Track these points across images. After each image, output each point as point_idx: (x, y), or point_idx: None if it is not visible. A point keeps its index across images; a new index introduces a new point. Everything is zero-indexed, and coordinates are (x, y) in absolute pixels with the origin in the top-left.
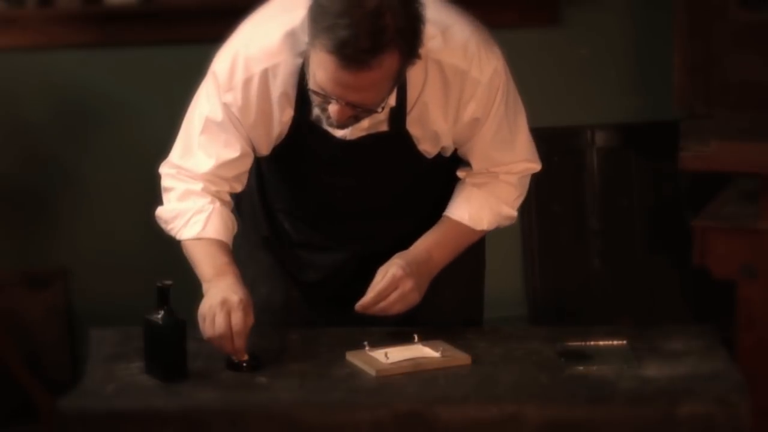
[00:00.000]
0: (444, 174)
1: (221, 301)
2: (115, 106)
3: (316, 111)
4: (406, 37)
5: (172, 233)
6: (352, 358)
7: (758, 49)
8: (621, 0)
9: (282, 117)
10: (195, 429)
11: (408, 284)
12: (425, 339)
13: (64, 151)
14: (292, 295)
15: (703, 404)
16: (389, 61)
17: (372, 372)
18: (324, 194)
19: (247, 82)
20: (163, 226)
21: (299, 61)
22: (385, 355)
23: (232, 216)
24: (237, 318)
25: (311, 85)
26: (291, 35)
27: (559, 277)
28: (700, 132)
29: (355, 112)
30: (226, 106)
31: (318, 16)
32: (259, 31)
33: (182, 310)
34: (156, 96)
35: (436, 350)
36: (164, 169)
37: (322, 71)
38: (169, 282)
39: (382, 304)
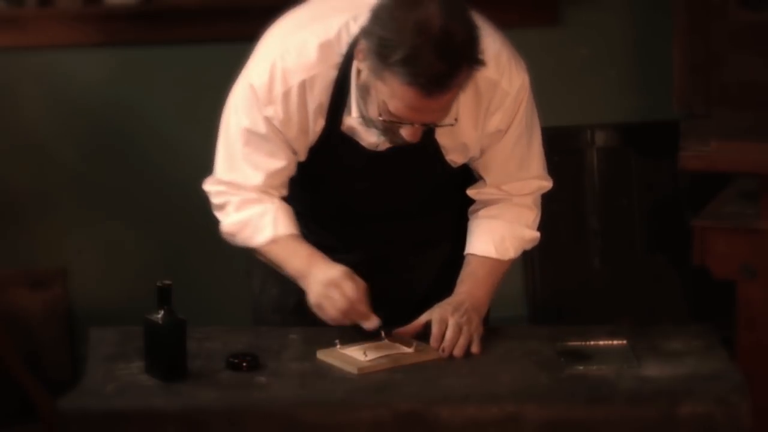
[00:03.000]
0: (462, 178)
1: (326, 282)
2: (115, 106)
3: (349, 122)
4: (472, 48)
5: (243, 243)
6: (326, 357)
7: (758, 49)
8: (621, 0)
9: (315, 127)
10: (195, 429)
11: (456, 316)
12: (391, 335)
13: (64, 151)
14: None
15: (703, 404)
16: (462, 77)
17: (353, 370)
18: (344, 198)
19: (286, 94)
20: (230, 239)
21: (334, 72)
22: (364, 353)
23: (290, 207)
24: (349, 287)
25: (381, 114)
26: (327, 46)
27: (559, 277)
28: (700, 132)
29: (427, 128)
30: (267, 120)
31: (384, 50)
32: (293, 42)
33: (182, 310)
34: (156, 96)
35: (409, 346)
36: (212, 187)
37: (397, 101)
38: (168, 282)
39: (454, 349)
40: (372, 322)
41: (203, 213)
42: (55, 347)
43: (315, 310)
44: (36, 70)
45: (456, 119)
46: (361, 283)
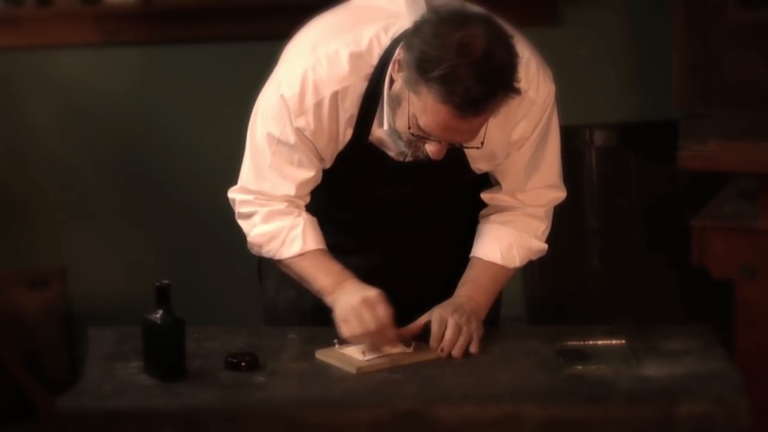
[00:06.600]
0: (478, 182)
1: (361, 300)
2: (114, 106)
3: (378, 134)
4: (510, 75)
5: (270, 255)
6: (325, 356)
7: (757, 49)
8: (620, 0)
9: (344, 137)
10: (194, 428)
11: (456, 317)
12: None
13: (64, 151)
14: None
15: (701, 404)
16: (497, 102)
17: (352, 370)
18: (365, 203)
19: (317, 105)
20: (256, 250)
21: (365, 84)
22: (362, 353)
23: (316, 220)
24: (382, 311)
25: (410, 127)
26: (358, 57)
27: (557, 277)
28: (699, 131)
29: (451, 147)
30: (299, 131)
31: (423, 64)
32: (324, 52)
33: (181, 310)
34: (155, 95)
35: (408, 346)
36: (239, 195)
37: (428, 117)
38: (167, 282)
39: (452, 349)
40: (396, 348)
41: (203, 212)
42: (53, 347)
43: (340, 323)
44: (35, 70)
45: (482, 143)
46: (391, 309)
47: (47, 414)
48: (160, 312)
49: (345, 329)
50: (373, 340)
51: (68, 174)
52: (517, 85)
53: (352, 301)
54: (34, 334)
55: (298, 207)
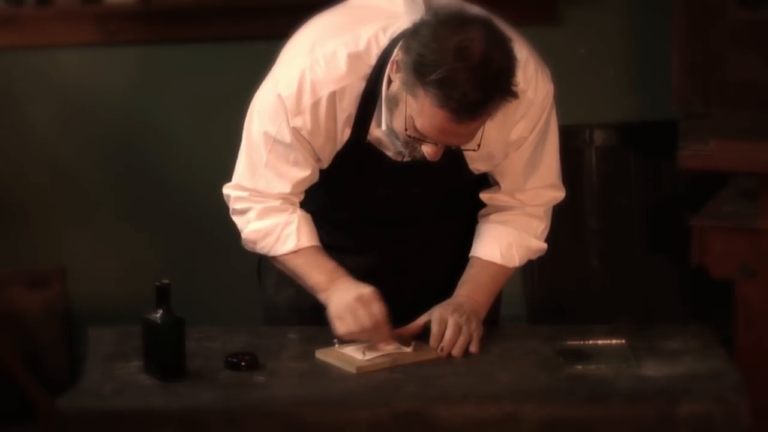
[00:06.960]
0: (476, 182)
1: (356, 297)
2: (114, 105)
3: (376, 134)
4: (508, 79)
5: (264, 251)
6: (325, 356)
7: (757, 49)
8: (620, 0)
9: (342, 137)
10: (194, 428)
11: (456, 316)
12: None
13: (64, 151)
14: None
15: (701, 403)
16: (494, 106)
17: (352, 370)
18: (364, 203)
19: (315, 105)
20: (251, 247)
21: (363, 84)
22: (363, 352)
23: (311, 217)
24: (377, 308)
25: (407, 128)
26: (356, 58)
27: (557, 277)
28: (699, 131)
29: (449, 148)
30: (295, 130)
31: (420, 67)
32: (322, 52)
33: (181, 310)
34: (155, 95)
35: (408, 345)
36: (233, 192)
37: (425, 120)
38: (167, 281)
39: (452, 349)
40: (391, 346)
41: (203, 212)
42: (53, 347)
43: (334, 320)
44: (35, 70)
45: (479, 145)
46: (385, 306)
47: (47, 414)
48: (160, 312)
49: (340, 326)
50: (368, 337)
51: (68, 174)
52: (514, 88)
53: (347, 298)
54: (34, 334)
55: (292, 204)
